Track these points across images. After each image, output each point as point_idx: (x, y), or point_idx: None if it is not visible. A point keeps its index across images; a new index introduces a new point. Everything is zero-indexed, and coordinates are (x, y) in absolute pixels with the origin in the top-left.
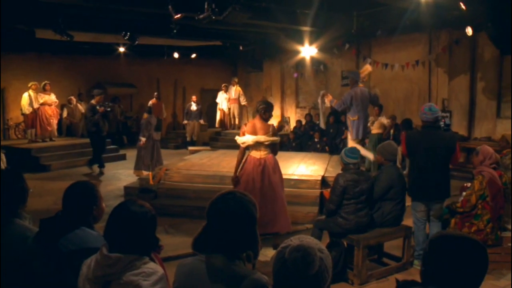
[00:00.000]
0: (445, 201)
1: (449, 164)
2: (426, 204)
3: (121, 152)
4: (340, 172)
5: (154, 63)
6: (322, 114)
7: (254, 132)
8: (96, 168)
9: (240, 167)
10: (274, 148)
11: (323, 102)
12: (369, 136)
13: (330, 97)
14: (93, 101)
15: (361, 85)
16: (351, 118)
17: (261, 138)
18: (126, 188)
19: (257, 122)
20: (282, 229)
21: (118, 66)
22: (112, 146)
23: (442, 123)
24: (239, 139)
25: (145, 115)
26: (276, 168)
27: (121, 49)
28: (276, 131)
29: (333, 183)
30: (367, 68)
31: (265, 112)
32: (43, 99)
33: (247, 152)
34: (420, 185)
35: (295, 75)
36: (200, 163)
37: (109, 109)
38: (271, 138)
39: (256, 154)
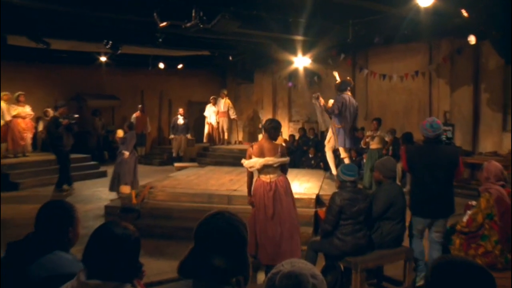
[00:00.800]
0: (449, 217)
1: (452, 180)
2: (427, 222)
3: (102, 169)
4: (336, 190)
5: (138, 73)
6: (319, 114)
7: (261, 154)
8: (66, 186)
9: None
10: (284, 168)
11: (319, 103)
12: (368, 151)
13: (322, 101)
14: (56, 114)
15: (348, 93)
16: (336, 126)
17: (269, 160)
18: (107, 207)
19: (265, 143)
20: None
21: (99, 77)
22: (92, 162)
23: (444, 137)
24: (246, 163)
25: (120, 132)
26: (288, 190)
27: (103, 59)
28: (284, 150)
29: (329, 202)
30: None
31: (274, 131)
32: (16, 111)
33: (256, 173)
34: (423, 201)
35: (290, 84)
36: (187, 180)
37: (73, 121)
38: (280, 160)
39: (265, 178)
